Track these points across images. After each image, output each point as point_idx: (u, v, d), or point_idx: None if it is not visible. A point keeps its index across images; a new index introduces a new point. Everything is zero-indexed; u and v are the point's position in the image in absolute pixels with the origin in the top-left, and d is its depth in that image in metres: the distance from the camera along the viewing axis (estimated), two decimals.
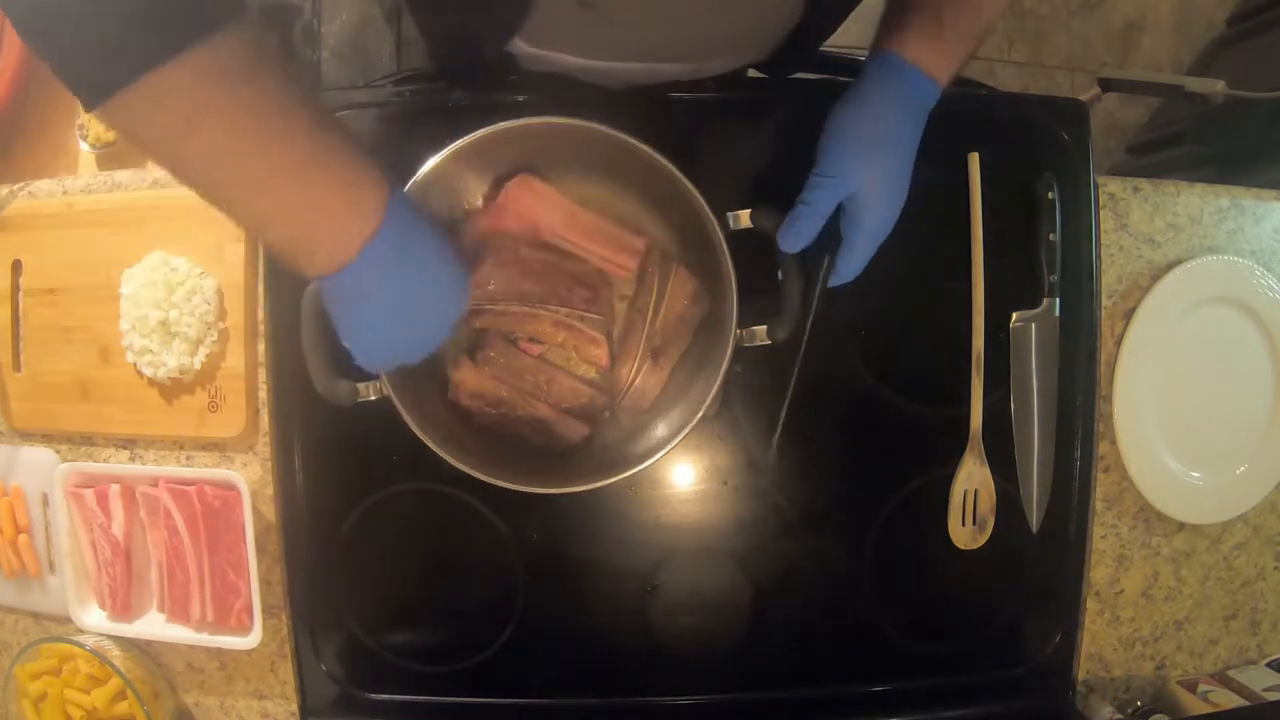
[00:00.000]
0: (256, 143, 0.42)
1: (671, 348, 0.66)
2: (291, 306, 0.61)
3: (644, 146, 0.59)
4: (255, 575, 0.70)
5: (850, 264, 0.60)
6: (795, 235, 0.59)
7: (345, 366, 0.60)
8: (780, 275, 0.61)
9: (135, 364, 0.72)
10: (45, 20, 0.38)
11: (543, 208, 0.65)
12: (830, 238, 0.60)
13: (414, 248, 0.50)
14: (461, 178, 0.64)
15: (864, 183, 0.57)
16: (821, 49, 0.71)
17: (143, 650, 0.75)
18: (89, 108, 0.39)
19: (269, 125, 0.42)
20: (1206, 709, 0.72)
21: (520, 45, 0.63)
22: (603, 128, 0.59)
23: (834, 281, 0.62)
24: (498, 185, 0.65)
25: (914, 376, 0.71)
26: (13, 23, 0.38)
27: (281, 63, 0.43)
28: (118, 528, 0.72)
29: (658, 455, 0.61)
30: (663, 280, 0.65)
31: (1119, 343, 0.74)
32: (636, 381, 0.67)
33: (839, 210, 0.59)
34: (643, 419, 0.67)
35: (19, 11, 0.38)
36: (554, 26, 0.60)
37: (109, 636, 0.73)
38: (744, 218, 0.61)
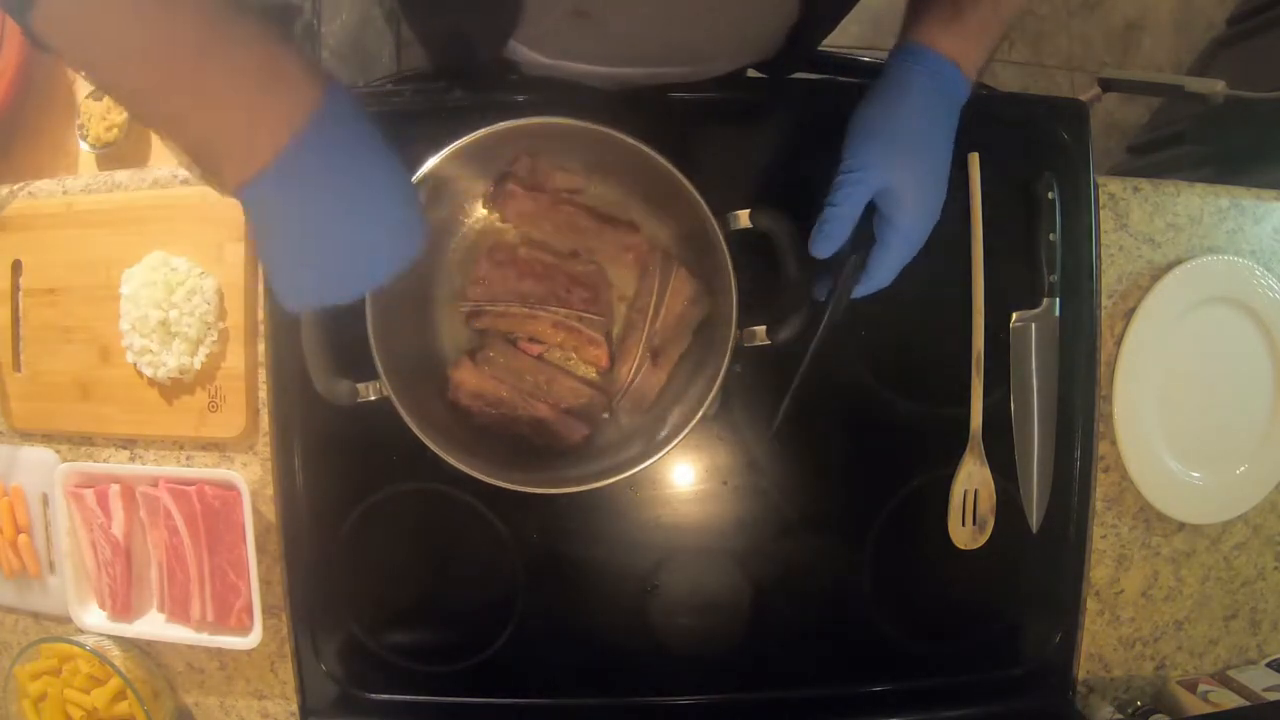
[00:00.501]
0: (156, 38, 0.38)
1: (671, 348, 0.66)
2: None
3: (644, 147, 0.59)
4: (255, 575, 0.70)
5: (884, 267, 0.57)
6: (825, 239, 0.56)
7: (345, 366, 0.60)
8: (781, 276, 0.61)
9: (135, 364, 0.72)
10: None
11: (536, 215, 0.65)
12: (861, 240, 0.58)
13: (347, 157, 0.43)
14: (461, 178, 0.64)
15: (894, 178, 0.55)
16: (820, 49, 0.71)
17: (143, 650, 0.75)
18: (23, 25, 0.37)
19: (166, 20, 0.38)
20: (1206, 709, 0.72)
21: (518, 50, 0.63)
22: (603, 128, 0.59)
23: (864, 289, 0.59)
24: (500, 183, 0.65)
25: (914, 376, 0.71)
26: None
27: None
28: (118, 528, 0.72)
29: (658, 455, 0.61)
30: (663, 281, 0.65)
31: (1119, 343, 0.74)
32: (636, 382, 0.67)
33: (870, 211, 0.57)
34: (642, 419, 0.67)
35: None
36: (550, 34, 0.60)
37: (109, 636, 0.73)
38: (744, 218, 0.61)
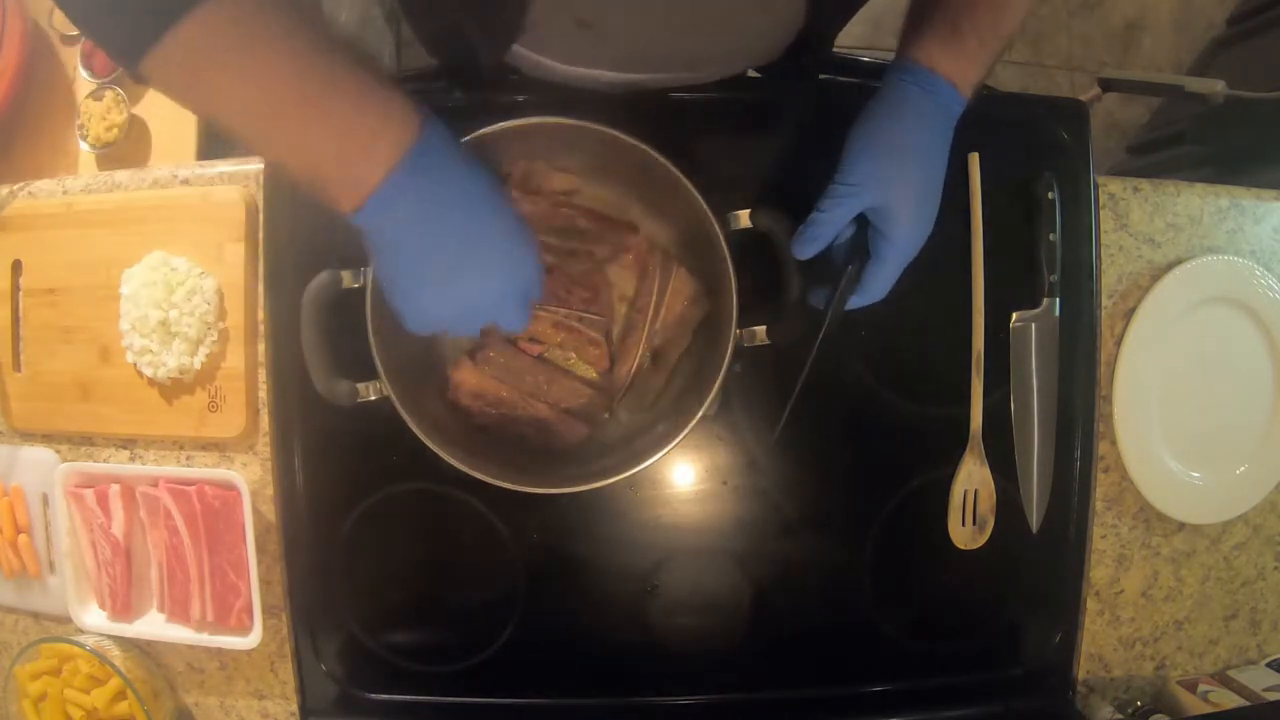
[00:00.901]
0: (270, 83, 0.42)
1: (671, 348, 0.66)
2: (291, 306, 0.61)
3: (644, 146, 0.59)
4: (255, 575, 0.70)
5: (878, 280, 0.59)
6: (807, 242, 0.58)
7: (345, 366, 0.60)
8: (781, 276, 0.61)
9: (135, 364, 0.72)
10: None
11: (533, 219, 0.65)
12: (856, 252, 0.59)
13: (453, 180, 0.47)
14: None
15: (889, 194, 0.56)
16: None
17: (143, 650, 0.75)
18: (130, 71, 0.41)
19: (280, 67, 0.42)
20: (1206, 709, 0.72)
21: (520, 55, 0.64)
22: (603, 128, 0.59)
23: (860, 301, 0.60)
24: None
25: (914, 376, 0.71)
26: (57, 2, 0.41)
27: (292, 3, 0.43)
28: (118, 528, 0.72)
29: (658, 455, 0.61)
30: (663, 281, 0.65)
31: (1119, 343, 0.74)
32: (636, 382, 0.67)
33: (866, 224, 0.58)
34: (643, 419, 0.67)
35: None
36: (554, 41, 0.60)
37: (109, 636, 0.73)
38: (744, 218, 0.61)
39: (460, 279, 0.48)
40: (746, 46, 0.64)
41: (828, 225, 0.57)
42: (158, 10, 0.39)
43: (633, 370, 0.66)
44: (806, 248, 0.58)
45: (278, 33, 0.42)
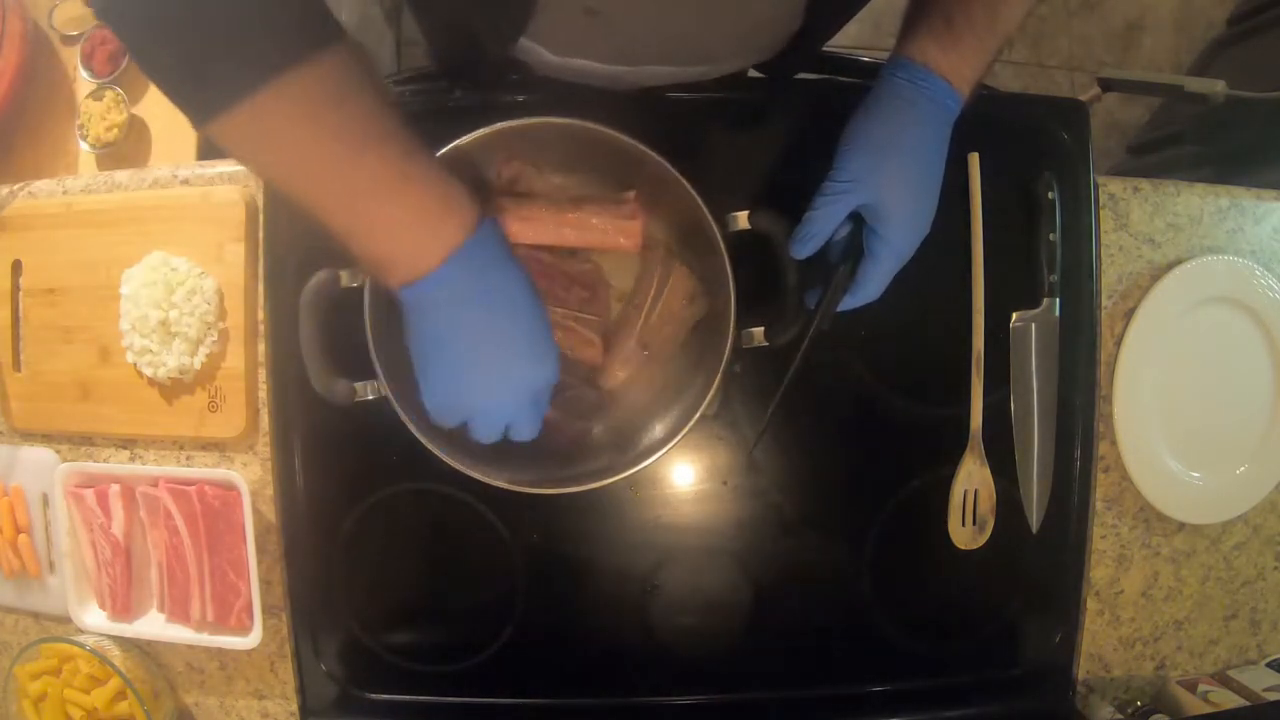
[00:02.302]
0: (344, 163, 0.44)
1: (665, 345, 0.66)
2: (291, 306, 0.61)
3: (643, 147, 0.59)
4: (255, 575, 0.70)
5: (872, 280, 0.59)
6: (802, 241, 0.58)
7: (343, 365, 0.60)
8: (780, 278, 0.61)
9: (135, 364, 0.72)
10: (151, 46, 0.41)
11: (526, 232, 0.65)
12: (851, 251, 0.59)
13: (500, 276, 0.49)
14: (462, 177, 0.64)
15: (883, 194, 0.56)
16: (823, 49, 0.71)
17: (143, 650, 0.75)
18: (196, 127, 0.42)
19: (356, 147, 0.44)
20: (1206, 709, 0.72)
21: (526, 48, 0.64)
22: (603, 128, 0.59)
23: (854, 301, 0.60)
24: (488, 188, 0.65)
25: (914, 376, 0.71)
26: (125, 45, 0.43)
27: (374, 84, 0.45)
28: (118, 528, 0.72)
29: (657, 455, 0.61)
30: (663, 276, 0.65)
31: (1119, 343, 0.74)
32: (624, 375, 0.66)
33: (862, 223, 0.58)
34: (636, 417, 0.67)
35: (129, 38, 0.41)
36: (560, 31, 0.60)
37: (109, 636, 0.73)
38: (743, 219, 0.61)
39: (485, 375, 0.51)
40: (747, 39, 0.64)
41: (822, 223, 0.57)
42: (240, 72, 0.40)
43: (622, 363, 0.66)
44: (803, 246, 0.59)
45: (360, 116, 0.43)
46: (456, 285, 0.47)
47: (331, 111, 0.43)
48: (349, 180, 0.44)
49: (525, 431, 0.55)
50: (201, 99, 0.41)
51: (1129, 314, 0.74)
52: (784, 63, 0.69)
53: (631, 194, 0.65)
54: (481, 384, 0.51)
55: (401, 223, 0.46)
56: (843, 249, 0.60)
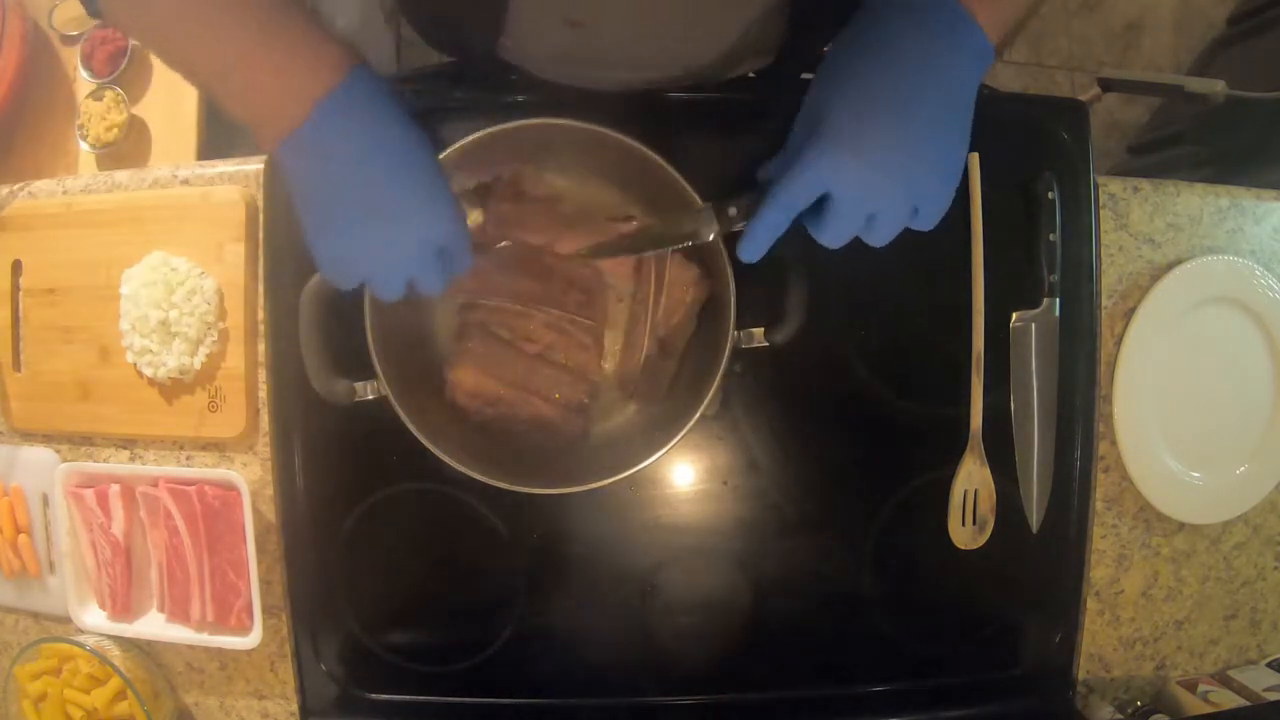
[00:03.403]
0: (206, 23, 0.44)
1: (677, 336, 0.66)
2: (291, 306, 0.61)
3: (642, 147, 0.59)
4: (255, 575, 0.70)
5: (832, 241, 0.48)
6: (752, 243, 0.49)
7: (343, 365, 0.60)
8: (780, 278, 0.61)
9: (135, 364, 0.72)
10: None
11: (528, 235, 0.65)
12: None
13: (374, 125, 0.46)
14: (460, 178, 0.64)
15: (865, 173, 0.43)
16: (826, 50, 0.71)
17: (143, 650, 0.75)
18: (90, 12, 0.45)
19: (218, 5, 0.44)
20: (1206, 709, 0.72)
21: (515, 53, 0.64)
22: (602, 128, 0.59)
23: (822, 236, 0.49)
24: (486, 191, 0.65)
25: (914, 376, 0.71)
26: None
27: None
28: (118, 528, 0.72)
29: (657, 455, 0.61)
30: (660, 269, 0.65)
31: (1119, 343, 0.74)
32: (646, 372, 0.66)
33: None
34: (638, 415, 0.67)
35: None
36: (545, 40, 0.60)
37: (109, 636, 0.73)
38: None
39: (366, 227, 0.47)
40: (732, 50, 0.63)
41: (769, 231, 0.48)
42: None
43: (641, 361, 0.66)
44: (752, 250, 0.50)
45: None
46: (325, 138, 0.45)
47: None
48: (213, 40, 0.44)
49: (431, 286, 0.50)
50: None
51: (1129, 314, 0.74)
52: (779, 69, 0.69)
53: (634, 224, 0.65)
54: (367, 241, 0.48)
55: (265, 79, 0.45)
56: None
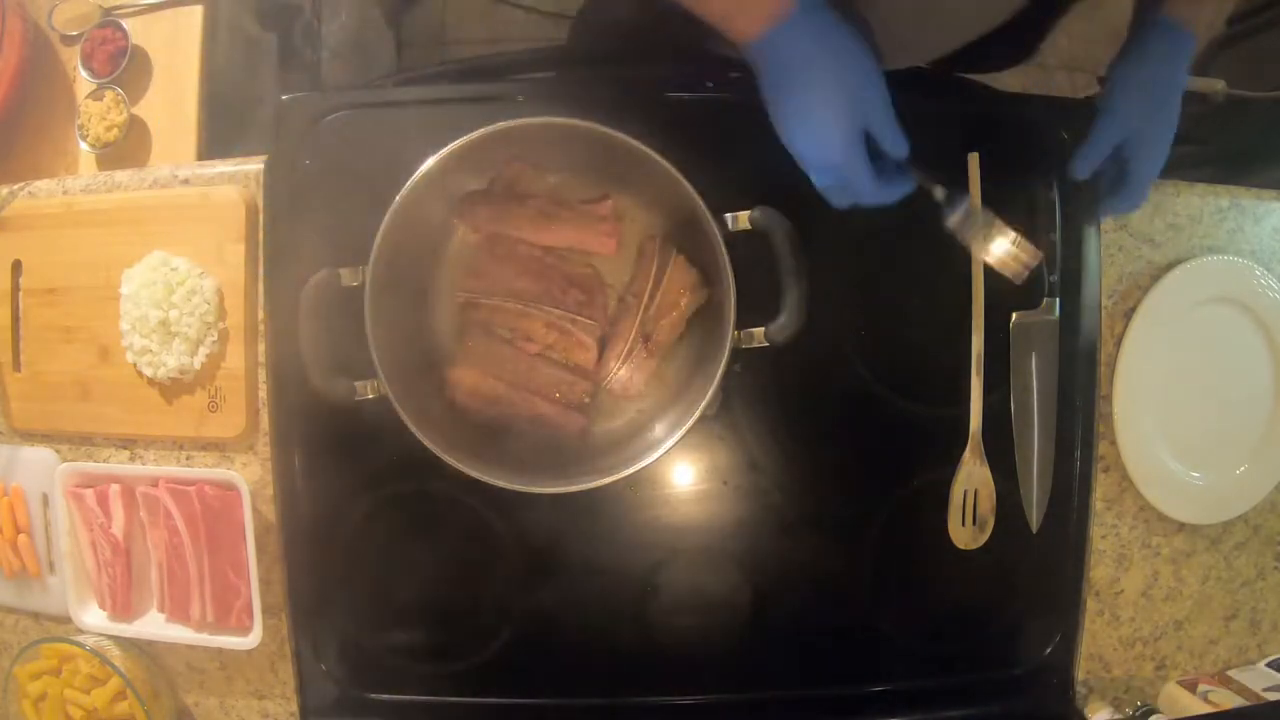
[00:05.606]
0: None
1: (664, 336, 0.66)
2: (291, 307, 0.61)
3: (643, 147, 0.59)
4: (255, 575, 0.70)
5: (1138, 190, 0.68)
6: (1083, 160, 0.67)
7: (343, 364, 0.60)
8: (780, 278, 0.61)
9: (135, 364, 0.72)
10: None
11: (507, 229, 0.65)
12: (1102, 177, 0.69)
13: (830, 28, 0.54)
14: (460, 178, 0.64)
15: (1139, 122, 0.68)
16: None
17: (143, 650, 0.75)
18: None
19: None
20: (1206, 709, 0.72)
21: None
22: (602, 128, 0.59)
23: (1118, 210, 0.70)
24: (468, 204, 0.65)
25: (914, 376, 0.71)
26: None
27: None
28: (118, 528, 0.72)
29: (657, 455, 0.61)
30: (661, 266, 0.65)
31: (1119, 343, 0.74)
32: (624, 367, 0.66)
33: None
34: (638, 415, 0.67)
35: None
36: None
37: (109, 636, 0.73)
38: (743, 219, 0.61)
39: (841, 116, 0.55)
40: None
41: (1101, 147, 0.67)
42: None
43: (622, 355, 0.66)
44: (1084, 166, 0.67)
45: None
46: (803, 34, 0.53)
47: None
48: None
49: (898, 145, 0.58)
50: None
51: (1129, 314, 0.74)
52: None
53: (608, 202, 0.65)
54: (834, 133, 0.55)
55: None
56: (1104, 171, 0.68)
